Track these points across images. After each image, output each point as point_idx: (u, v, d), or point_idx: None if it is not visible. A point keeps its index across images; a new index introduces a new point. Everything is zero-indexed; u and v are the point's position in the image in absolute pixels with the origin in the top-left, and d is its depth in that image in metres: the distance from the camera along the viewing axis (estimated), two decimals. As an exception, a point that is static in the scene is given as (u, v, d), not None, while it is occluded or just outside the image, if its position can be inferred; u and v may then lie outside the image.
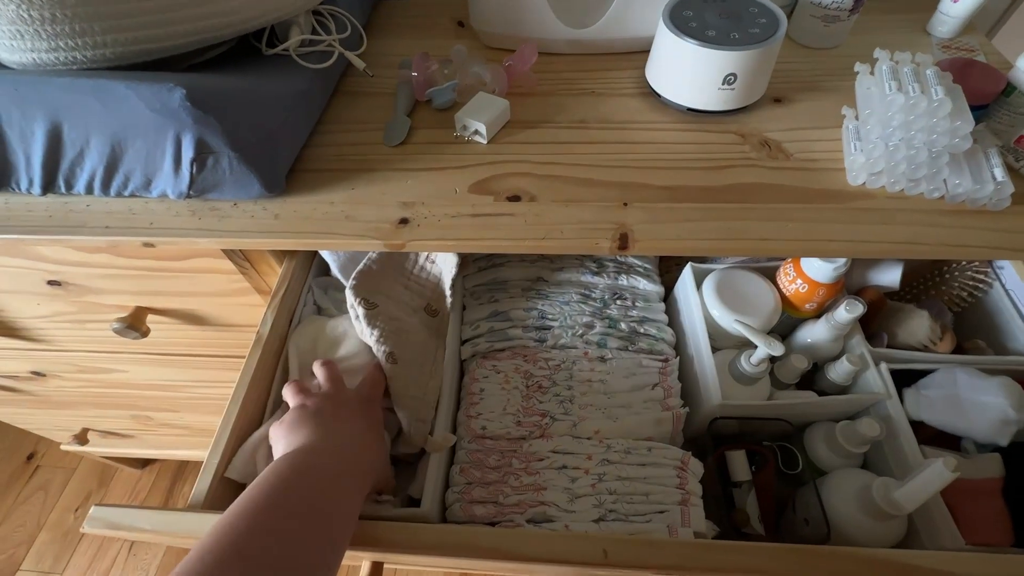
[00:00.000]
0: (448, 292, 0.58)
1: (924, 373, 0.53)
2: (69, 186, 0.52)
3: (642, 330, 0.60)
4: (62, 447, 1.26)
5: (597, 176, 0.55)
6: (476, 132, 0.58)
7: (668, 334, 0.61)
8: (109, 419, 1.14)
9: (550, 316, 0.62)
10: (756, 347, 0.53)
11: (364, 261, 0.57)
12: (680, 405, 0.54)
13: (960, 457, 0.47)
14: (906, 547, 0.47)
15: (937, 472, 0.41)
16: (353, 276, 0.56)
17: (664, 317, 0.62)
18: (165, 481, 1.54)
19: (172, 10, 0.46)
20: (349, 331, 0.56)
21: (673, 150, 0.57)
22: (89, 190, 0.52)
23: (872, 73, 0.52)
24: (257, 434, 0.48)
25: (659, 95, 0.61)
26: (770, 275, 0.60)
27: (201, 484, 0.46)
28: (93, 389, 0.96)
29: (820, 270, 0.54)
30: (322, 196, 0.54)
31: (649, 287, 0.64)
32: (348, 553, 0.48)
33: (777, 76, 0.64)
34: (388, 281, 0.58)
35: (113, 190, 0.52)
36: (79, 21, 0.42)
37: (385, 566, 0.47)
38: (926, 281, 0.62)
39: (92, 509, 0.43)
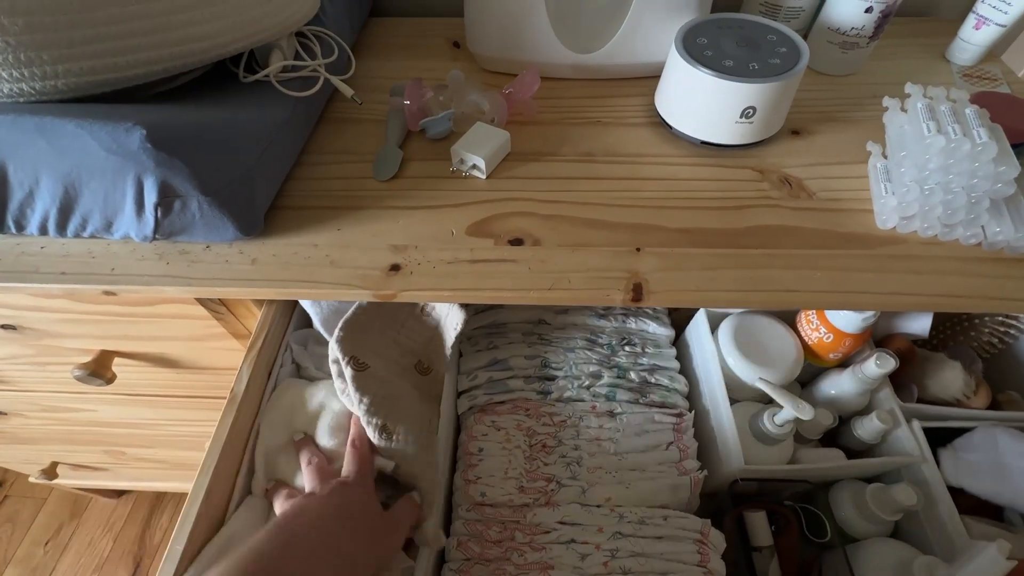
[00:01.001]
0: (448, 350, 0.53)
1: (958, 431, 0.49)
2: (20, 227, 0.46)
3: (653, 380, 0.56)
4: (30, 479, 1.18)
5: (606, 217, 0.51)
6: (474, 167, 0.53)
7: (681, 383, 0.56)
8: (80, 454, 1.07)
9: (554, 365, 0.57)
10: (777, 403, 0.49)
11: (352, 309, 0.52)
12: (698, 468, 0.50)
13: (1010, 531, 0.43)
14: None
15: (992, 559, 0.36)
16: (340, 327, 0.50)
17: (676, 364, 0.58)
18: (142, 511, 1.46)
19: (133, 36, 0.41)
20: (327, 403, 0.51)
21: (687, 187, 0.53)
22: (43, 231, 0.46)
23: (904, 109, 0.48)
24: (216, 543, 0.42)
25: (670, 126, 0.57)
26: (790, 320, 0.56)
27: (169, 567, 0.41)
28: (60, 427, 0.90)
29: (847, 320, 0.50)
30: (304, 238, 0.49)
31: (659, 331, 0.60)
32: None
33: (794, 106, 0.60)
34: (377, 334, 0.53)
35: (70, 231, 0.46)
36: (24, 50, 0.37)
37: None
38: (954, 326, 0.58)
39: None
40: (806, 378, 0.58)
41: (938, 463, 0.48)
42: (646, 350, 0.58)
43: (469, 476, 0.51)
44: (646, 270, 0.46)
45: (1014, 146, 0.49)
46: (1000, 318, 0.56)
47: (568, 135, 0.58)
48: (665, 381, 0.56)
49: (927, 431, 0.49)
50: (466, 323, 0.61)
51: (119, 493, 1.46)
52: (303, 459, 0.46)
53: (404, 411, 0.50)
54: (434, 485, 0.45)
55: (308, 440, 0.48)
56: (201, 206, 0.42)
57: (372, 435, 0.48)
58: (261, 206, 0.49)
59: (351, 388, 0.49)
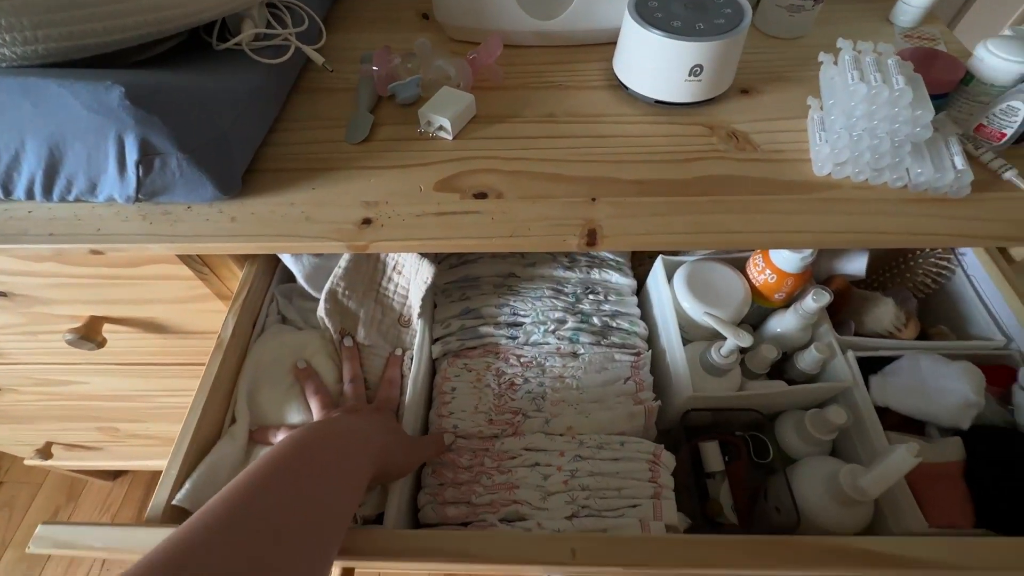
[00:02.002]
0: (417, 304, 0.57)
1: (890, 360, 0.54)
2: (8, 192, 0.49)
3: (614, 324, 0.60)
4: (26, 462, 1.21)
5: (565, 171, 0.54)
6: (441, 128, 0.56)
7: (640, 327, 0.61)
8: (73, 431, 1.10)
9: (522, 312, 0.61)
10: (726, 339, 0.53)
11: (332, 279, 0.56)
12: (652, 398, 0.54)
13: (924, 442, 0.48)
14: (873, 531, 0.48)
15: (900, 458, 0.41)
16: (323, 298, 0.54)
17: (636, 311, 0.62)
18: (138, 492, 1.49)
19: (112, 3, 0.43)
20: (321, 348, 0.54)
21: (642, 143, 0.57)
22: (30, 195, 0.49)
23: (836, 63, 0.52)
24: (211, 458, 0.46)
25: (627, 87, 0.60)
26: (740, 266, 0.60)
27: (159, 496, 0.44)
28: (53, 402, 0.92)
29: (788, 260, 0.54)
30: (281, 197, 0.52)
31: (622, 281, 0.63)
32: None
33: (744, 67, 0.64)
34: (359, 297, 0.56)
35: (56, 195, 0.49)
36: (5, 15, 0.40)
37: (357, 572, 0.46)
38: (891, 269, 0.63)
39: (39, 528, 0.41)
40: (757, 321, 0.62)
41: (868, 388, 0.52)
42: (608, 298, 0.62)
43: (443, 412, 0.55)
44: (600, 217, 0.50)
45: (937, 96, 0.53)
46: (933, 260, 0.61)
47: (531, 98, 0.62)
48: (626, 325, 0.60)
49: (861, 360, 0.54)
50: (437, 277, 0.65)
51: (115, 475, 1.49)
52: (309, 388, 0.50)
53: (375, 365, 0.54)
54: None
55: (311, 371, 0.52)
56: (180, 164, 0.45)
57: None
58: (239, 167, 0.52)
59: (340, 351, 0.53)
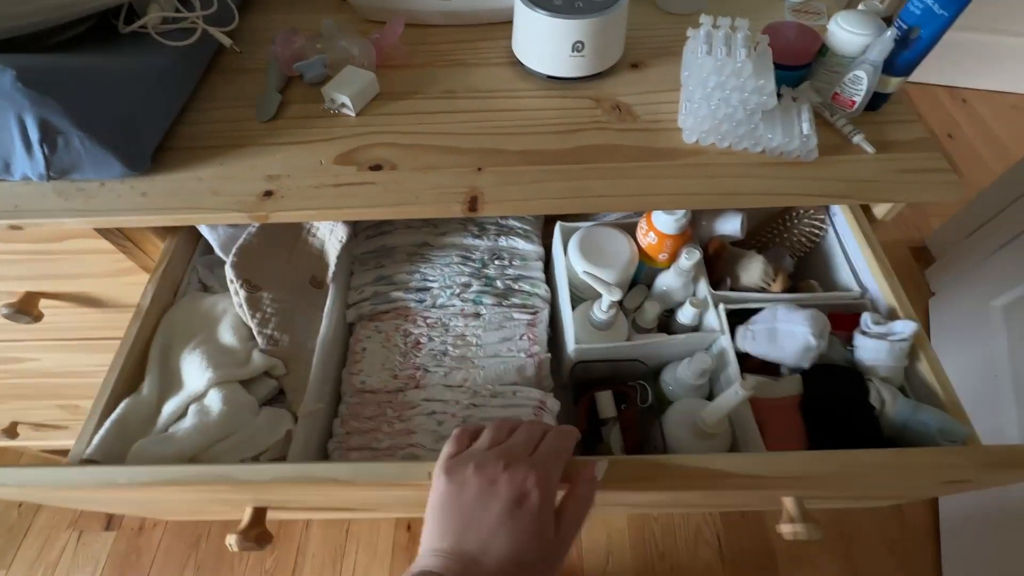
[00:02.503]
0: (332, 264, 0.61)
1: (758, 311, 0.59)
2: (-73, 172, 0.52)
3: (516, 287, 0.65)
4: (-7, 442, 1.24)
5: (458, 144, 0.58)
6: (343, 105, 0.60)
7: (542, 289, 0.66)
8: (36, 411, 1.14)
9: (431, 278, 0.65)
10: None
11: (244, 236, 0.60)
12: (542, 352, 0.59)
13: (770, 380, 0.54)
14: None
15: (732, 392, 0.47)
16: (233, 252, 0.58)
17: (540, 275, 0.67)
18: (110, 470, 1.53)
19: (9, -10, 0.46)
20: (230, 309, 0.59)
21: (532, 116, 0.61)
22: (-51, 175, 0.52)
23: (699, 38, 0.56)
24: (117, 415, 0.50)
25: (523, 64, 0.64)
26: (632, 231, 0.65)
27: (75, 450, 0.49)
28: (8, 380, 0.96)
29: (665, 223, 0.59)
30: (191, 173, 0.56)
31: (527, 247, 0.68)
32: (228, 499, 0.52)
33: (638, 42, 0.68)
34: (270, 257, 0.60)
35: (-27, 175, 0.52)
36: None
37: (268, 513, 0.51)
38: (772, 230, 0.68)
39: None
40: (650, 281, 0.67)
41: (734, 337, 0.58)
42: (513, 263, 0.66)
43: (353, 370, 0.59)
44: (483, 185, 0.54)
45: (798, 67, 0.58)
46: (807, 221, 0.66)
47: (435, 76, 0.65)
48: (527, 287, 0.65)
49: (733, 312, 0.59)
50: (355, 247, 0.69)
51: (86, 454, 1.53)
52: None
53: (292, 322, 0.58)
54: (306, 381, 0.55)
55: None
56: (83, 142, 0.49)
57: (262, 343, 0.56)
58: (147, 145, 0.55)
59: (244, 307, 0.57)
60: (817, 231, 0.65)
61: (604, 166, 0.56)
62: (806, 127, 0.53)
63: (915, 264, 1.61)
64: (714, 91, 0.52)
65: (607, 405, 0.63)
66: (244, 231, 0.60)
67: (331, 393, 0.58)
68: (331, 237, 0.62)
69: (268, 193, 0.54)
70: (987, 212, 1.42)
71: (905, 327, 0.51)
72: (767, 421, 0.51)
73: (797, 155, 0.55)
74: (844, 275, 0.62)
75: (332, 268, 0.61)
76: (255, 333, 0.56)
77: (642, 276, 0.68)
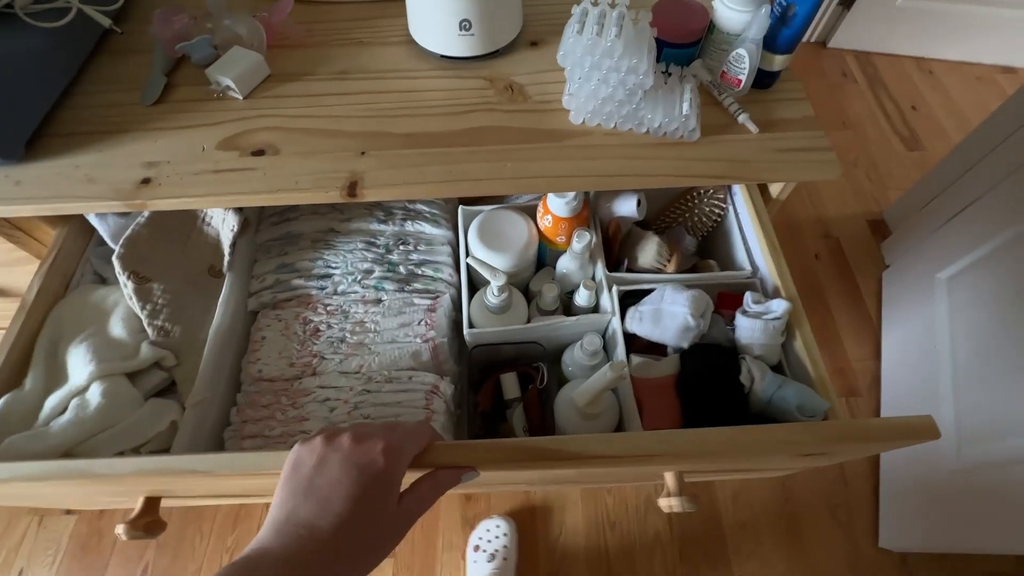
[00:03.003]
0: (227, 252, 0.61)
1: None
2: None
3: (420, 272, 0.65)
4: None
5: (344, 127, 0.57)
6: (229, 88, 0.59)
7: (446, 274, 0.66)
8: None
9: (333, 264, 0.65)
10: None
11: (132, 226, 0.59)
12: (439, 336, 0.60)
13: (650, 360, 0.55)
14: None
15: (601, 373, 0.48)
16: (120, 244, 0.57)
17: (446, 259, 0.67)
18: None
19: None
20: (121, 301, 0.58)
21: (423, 98, 0.60)
22: None
23: (582, 15, 0.55)
24: (0, 406, 0.50)
25: (417, 43, 0.62)
26: (534, 213, 0.65)
27: None
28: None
29: (557, 205, 0.59)
30: (68, 160, 0.55)
31: (434, 232, 0.68)
32: (118, 490, 0.52)
33: (539, 19, 0.67)
34: (162, 247, 0.60)
35: None
36: None
37: (162, 503, 0.52)
38: (675, 211, 0.68)
39: None
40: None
41: (624, 318, 0.59)
42: (418, 248, 0.66)
43: (251, 359, 0.60)
44: (364, 170, 0.54)
45: (688, 44, 0.57)
46: (707, 201, 0.66)
47: (329, 55, 0.64)
48: (430, 272, 0.65)
49: (629, 293, 0.60)
50: (259, 235, 0.69)
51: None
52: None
53: (185, 313, 0.58)
54: (197, 369, 0.55)
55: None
56: (-59, 132, 0.48)
57: (152, 334, 0.56)
58: (21, 133, 0.54)
59: (133, 298, 0.57)
60: (718, 211, 0.65)
61: (489, 148, 0.55)
62: (685, 107, 0.52)
63: (872, 237, 1.63)
64: (591, 71, 0.51)
65: (511, 387, 0.64)
66: (134, 221, 0.59)
67: (227, 382, 0.59)
68: (223, 226, 0.61)
69: (146, 180, 0.53)
70: (941, 185, 1.42)
71: (779, 306, 0.52)
72: (645, 400, 0.52)
73: (682, 136, 0.54)
74: (740, 254, 0.62)
75: (227, 257, 0.61)
76: (145, 325, 0.56)
77: (548, 258, 0.68)
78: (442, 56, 0.61)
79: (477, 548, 0.91)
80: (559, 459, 0.40)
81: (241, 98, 0.59)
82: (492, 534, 0.91)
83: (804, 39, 1.93)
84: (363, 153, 0.55)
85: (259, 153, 0.55)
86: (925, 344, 1.29)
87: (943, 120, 1.88)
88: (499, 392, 0.65)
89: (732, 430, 0.42)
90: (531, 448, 0.40)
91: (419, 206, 0.69)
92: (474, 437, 0.59)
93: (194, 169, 0.54)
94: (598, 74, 0.51)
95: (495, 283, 0.55)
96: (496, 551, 0.89)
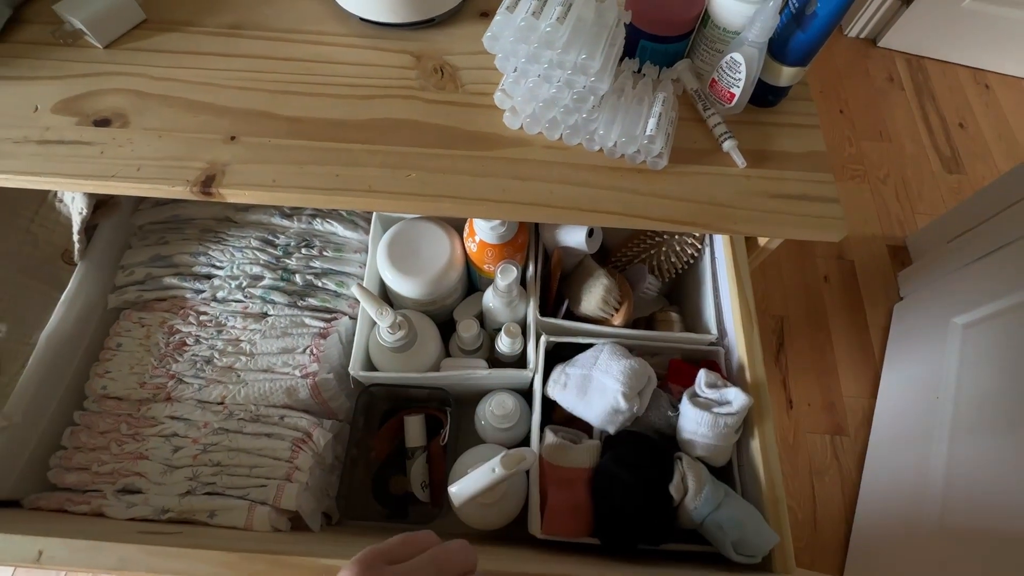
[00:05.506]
0: (75, 238, 0.49)
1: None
2: None
3: (320, 284, 0.53)
4: None
5: (219, 100, 0.45)
6: (83, 32, 0.46)
7: (353, 290, 0.54)
8: None
9: (218, 263, 0.54)
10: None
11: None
12: (323, 372, 0.49)
13: (565, 443, 0.44)
14: (521, 524, 0.45)
15: (487, 469, 0.37)
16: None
17: (357, 270, 0.55)
18: None
19: None
20: None
21: (327, 71, 0.47)
22: None
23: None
24: None
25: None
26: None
27: None
28: None
29: (482, 228, 0.47)
30: None
31: (348, 235, 0.56)
32: None
33: (496, -17, 0.52)
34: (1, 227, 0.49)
35: None
36: None
37: None
38: (641, 244, 0.55)
39: None
40: (487, 290, 0.56)
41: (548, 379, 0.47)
42: (324, 253, 0.55)
43: (99, 371, 0.50)
44: (228, 161, 0.42)
45: (674, 38, 0.43)
46: (679, 238, 0.53)
47: (224, 3, 0.50)
48: (332, 286, 0.54)
49: (562, 346, 0.48)
50: (138, 217, 0.57)
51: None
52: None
53: (16, 307, 0.48)
54: (16, 381, 0.44)
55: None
56: None
57: None
58: None
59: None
60: (691, 251, 0.52)
61: (395, 149, 0.43)
62: (651, 124, 0.39)
63: (890, 264, 1.48)
64: (528, 64, 0.38)
65: (415, 433, 0.54)
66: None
67: (65, 394, 0.49)
68: (72, 207, 0.50)
69: (-53, 146, 0.42)
70: (975, 217, 1.27)
71: (737, 399, 0.40)
72: (552, 492, 0.41)
73: (644, 161, 0.41)
74: (709, 311, 0.50)
75: (77, 244, 0.50)
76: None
77: (481, 283, 0.56)
78: (362, 19, 0.48)
79: None
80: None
81: (101, 47, 0.47)
82: None
83: (853, 34, 1.72)
84: (232, 138, 0.43)
85: (103, 123, 0.43)
86: (927, 391, 1.17)
87: (991, 143, 1.69)
88: (401, 435, 0.55)
89: (620, 571, 0.31)
90: None
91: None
92: (346, 494, 0.49)
93: (16, 135, 0.42)
94: (537, 68, 0.38)
95: (382, 323, 0.43)
96: None
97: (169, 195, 0.41)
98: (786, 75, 0.41)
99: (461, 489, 0.37)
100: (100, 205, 0.52)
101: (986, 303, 1.12)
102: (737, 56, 0.39)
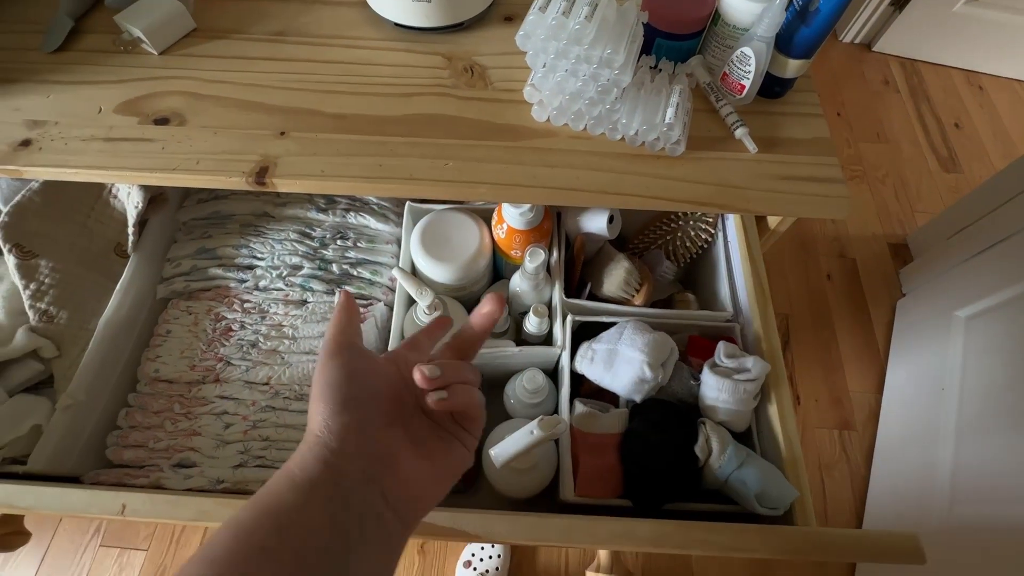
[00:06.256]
0: (131, 232, 0.53)
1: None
2: None
3: (355, 273, 0.57)
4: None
5: (268, 99, 0.49)
6: (140, 40, 0.50)
7: (385, 278, 0.57)
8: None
9: (259, 255, 0.57)
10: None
11: (24, 192, 0.51)
12: (363, 352, 0.52)
13: (595, 411, 0.47)
14: (551, 493, 0.47)
15: (527, 431, 0.40)
16: (5, 212, 0.50)
17: (389, 260, 0.58)
18: None
19: None
20: (7, 276, 0.51)
21: (366, 72, 0.51)
22: None
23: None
24: None
25: (371, 6, 0.53)
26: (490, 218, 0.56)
27: None
28: None
29: (512, 215, 0.50)
30: (-56, 110, 0.47)
31: (380, 227, 0.59)
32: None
33: (516, -9, 0.57)
34: (58, 218, 0.52)
35: None
36: None
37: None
38: (658, 230, 0.59)
39: None
40: (513, 277, 0.59)
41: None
42: (358, 244, 0.58)
43: (150, 355, 0.53)
44: (280, 154, 0.45)
45: (687, 36, 0.47)
46: (695, 224, 0.56)
47: (267, 12, 0.55)
48: (367, 274, 0.57)
49: (587, 324, 0.51)
50: (182, 213, 0.61)
51: None
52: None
53: (76, 296, 0.51)
54: (77, 364, 0.48)
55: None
56: None
57: (33, 318, 0.49)
58: None
59: (16, 274, 0.49)
60: (705, 236, 0.56)
61: (432, 141, 0.46)
62: (670, 113, 0.43)
63: (891, 261, 1.51)
64: (557, 60, 0.42)
65: (444, 412, 0.57)
66: (27, 185, 0.52)
67: (119, 379, 0.52)
68: (128, 201, 0.53)
69: (26, 142, 0.46)
70: (973, 214, 1.30)
71: (755, 366, 0.43)
72: (583, 458, 0.44)
73: (662, 147, 0.45)
74: (724, 291, 0.53)
75: (131, 237, 0.53)
76: (26, 307, 0.49)
77: (505, 270, 0.59)
78: (396, 24, 0.52)
79: (468, 564, 0.86)
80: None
81: (156, 54, 0.51)
82: (486, 553, 0.86)
83: (848, 39, 1.77)
84: (282, 133, 0.47)
85: (162, 122, 0.47)
86: (932, 384, 1.19)
87: (987, 142, 1.73)
88: (434, 416, 0.58)
89: (652, 525, 0.34)
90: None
91: (368, 196, 0.61)
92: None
93: (84, 134, 0.46)
94: (565, 64, 0.42)
95: (421, 302, 0.47)
96: (487, 571, 0.84)
97: (227, 185, 0.45)
98: (792, 67, 0.45)
99: (500, 451, 0.40)
100: (151, 201, 0.56)
101: (987, 296, 1.14)
102: (747, 50, 0.43)
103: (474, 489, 0.53)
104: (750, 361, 0.44)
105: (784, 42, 0.43)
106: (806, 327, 1.40)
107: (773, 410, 0.44)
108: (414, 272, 0.56)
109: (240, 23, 0.53)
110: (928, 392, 1.20)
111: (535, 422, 0.40)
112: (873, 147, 1.64)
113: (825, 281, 1.48)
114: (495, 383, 0.57)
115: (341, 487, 0.22)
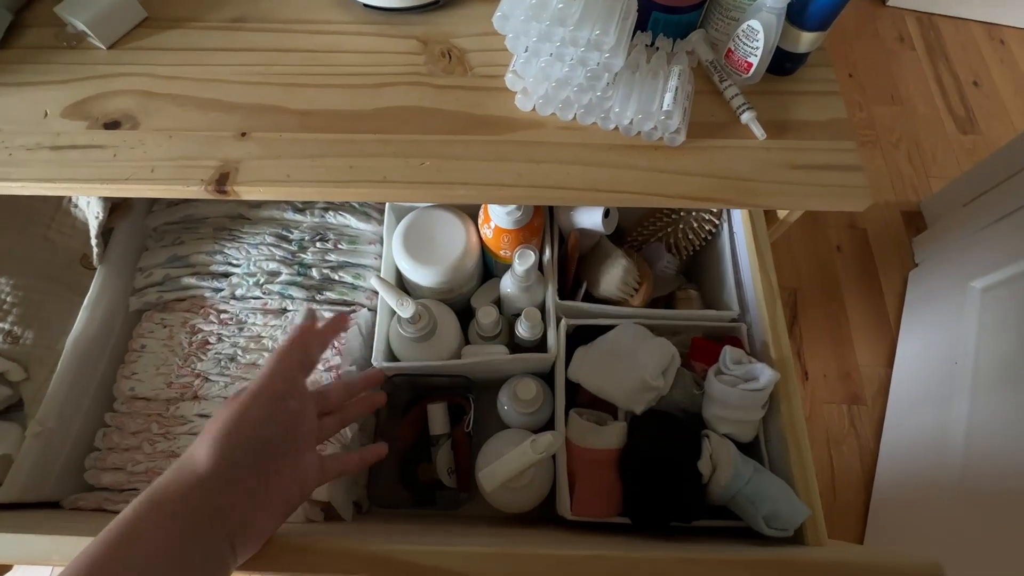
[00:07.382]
0: (93, 243, 0.50)
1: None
2: None
3: (336, 277, 0.53)
4: None
5: (227, 96, 0.44)
6: (86, 34, 0.45)
7: (369, 281, 0.54)
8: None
9: (234, 261, 0.54)
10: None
11: (-24, 202, 0.48)
12: (347, 363, 0.49)
13: (592, 425, 0.44)
14: (549, 503, 0.45)
15: (520, 452, 0.37)
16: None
17: (372, 261, 0.55)
18: None
19: None
20: None
21: (334, 60, 0.46)
22: None
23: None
24: None
25: (337, -16, 0.48)
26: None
27: None
28: None
29: (498, 214, 0.46)
30: None
31: (361, 227, 0.56)
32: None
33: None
34: (14, 231, 0.49)
35: None
36: None
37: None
38: (658, 223, 0.54)
39: None
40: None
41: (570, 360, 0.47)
42: (339, 246, 0.55)
43: (125, 372, 0.50)
44: (241, 158, 0.42)
45: (688, 8, 0.42)
46: (694, 214, 0.52)
47: (225, -4, 0.50)
48: (348, 279, 0.54)
49: (582, 328, 0.48)
50: (152, 218, 0.57)
51: None
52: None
53: (41, 314, 0.48)
54: (47, 386, 0.45)
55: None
56: None
57: None
58: None
59: None
60: (708, 228, 0.52)
61: (406, 138, 0.42)
62: (668, 99, 0.38)
63: (904, 230, 1.45)
64: (540, 43, 0.37)
65: (438, 420, 0.54)
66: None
67: (94, 398, 0.49)
68: (88, 211, 0.50)
69: (-35, 155, 0.42)
70: (992, 178, 1.24)
71: (764, 375, 0.40)
72: (580, 474, 0.41)
73: (659, 137, 0.41)
74: (729, 287, 0.49)
75: (95, 248, 0.50)
76: (-14, 329, 0.47)
77: (498, 269, 0.56)
78: (365, 5, 0.47)
79: None
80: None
81: (104, 48, 0.46)
82: None
83: (859, -7, 1.67)
84: (244, 134, 0.43)
85: (113, 125, 0.43)
86: (945, 358, 1.16)
87: (1007, 101, 1.64)
88: (425, 422, 0.55)
89: (652, 564, 0.31)
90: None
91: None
92: (376, 479, 0.50)
93: (29, 142, 0.42)
94: (549, 47, 0.37)
95: (402, 314, 0.43)
96: None
97: (184, 195, 0.41)
98: (805, 41, 0.40)
99: (491, 474, 0.38)
100: (115, 208, 0.52)
101: (1005, 266, 1.10)
102: (755, 23, 0.38)
103: (470, 496, 0.51)
104: (758, 368, 0.41)
105: (797, 12, 0.38)
106: (815, 301, 1.36)
107: (783, 421, 0.41)
108: (399, 276, 0.52)
109: (195, 10, 0.49)
110: (940, 366, 1.17)
111: (527, 443, 0.37)
112: (887, 109, 1.56)
113: (835, 252, 1.43)
114: (489, 386, 0.55)
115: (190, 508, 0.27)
